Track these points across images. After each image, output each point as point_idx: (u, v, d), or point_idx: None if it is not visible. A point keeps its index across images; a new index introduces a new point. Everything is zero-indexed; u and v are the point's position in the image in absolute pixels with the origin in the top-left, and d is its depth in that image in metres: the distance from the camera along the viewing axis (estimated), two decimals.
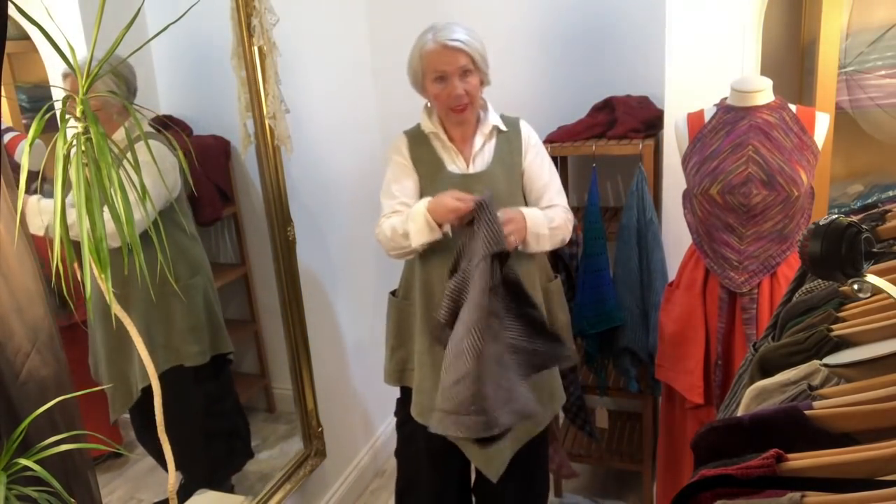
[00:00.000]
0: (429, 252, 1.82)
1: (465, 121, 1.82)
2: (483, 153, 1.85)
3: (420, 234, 1.74)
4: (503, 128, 1.87)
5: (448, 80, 1.73)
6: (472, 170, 1.84)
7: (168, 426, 2.00)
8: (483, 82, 1.80)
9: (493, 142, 1.86)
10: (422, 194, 1.85)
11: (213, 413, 2.15)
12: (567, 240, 1.90)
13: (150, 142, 1.84)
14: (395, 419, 2.14)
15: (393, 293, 2.01)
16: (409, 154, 1.86)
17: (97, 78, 1.01)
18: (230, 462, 2.21)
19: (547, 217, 1.83)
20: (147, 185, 1.78)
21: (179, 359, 1.94)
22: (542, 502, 2.14)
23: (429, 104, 1.87)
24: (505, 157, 1.86)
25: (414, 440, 2.04)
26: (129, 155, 1.73)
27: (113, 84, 1.74)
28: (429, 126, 1.85)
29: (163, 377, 1.91)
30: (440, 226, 1.73)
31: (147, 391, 1.84)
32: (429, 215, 1.71)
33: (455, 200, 1.67)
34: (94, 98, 1.69)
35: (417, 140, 1.87)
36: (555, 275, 2.05)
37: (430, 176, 1.84)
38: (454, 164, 1.84)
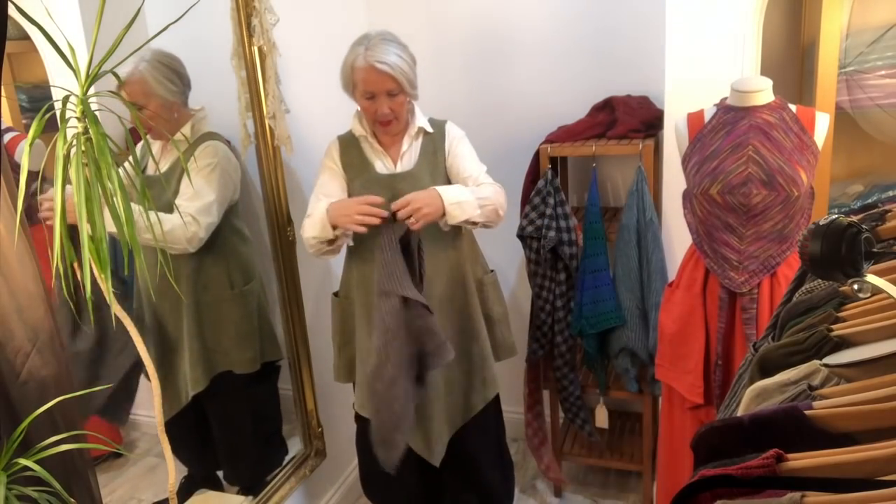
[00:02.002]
0: (365, 251, 1.90)
1: (390, 131, 1.91)
2: (410, 153, 1.94)
3: (313, 227, 1.83)
4: (429, 129, 1.95)
5: (376, 98, 1.81)
6: (399, 169, 1.93)
7: (217, 429, 2.01)
8: (410, 99, 1.88)
9: (419, 142, 1.95)
10: (350, 195, 1.92)
11: (259, 416, 2.17)
12: (502, 213, 1.94)
13: (215, 143, 1.87)
14: None
15: (335, 294, 2.07)
16: (338, 158, 1.94)
17: (97, 78, 1.01)
18: (273, 461, 2.22)
19: (472, 189, 1.88)
20: (214, 187, 1.80)
21: (230, 365, 1.96)
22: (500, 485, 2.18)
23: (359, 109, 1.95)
24: (430, 157, 1.94)
25: (365, 431, 2.07)
26: (193, 158, 1.75)
27: (167, 80, 1.75)
28: (359, 130, 1.93)
29: (213, 382, 1.92)
30: (334, 228, 1.79)
31: (196, 399, 1.86)
32: (325, 215, 1.80)
33: (360, 205, 1.73)
34: (153, 101, 1.70)
35: (348, 144, 1.95)
36: (490, 269, 2.13)
37: (359, 177, 1.92)
38: (382, 165, 1.93)
